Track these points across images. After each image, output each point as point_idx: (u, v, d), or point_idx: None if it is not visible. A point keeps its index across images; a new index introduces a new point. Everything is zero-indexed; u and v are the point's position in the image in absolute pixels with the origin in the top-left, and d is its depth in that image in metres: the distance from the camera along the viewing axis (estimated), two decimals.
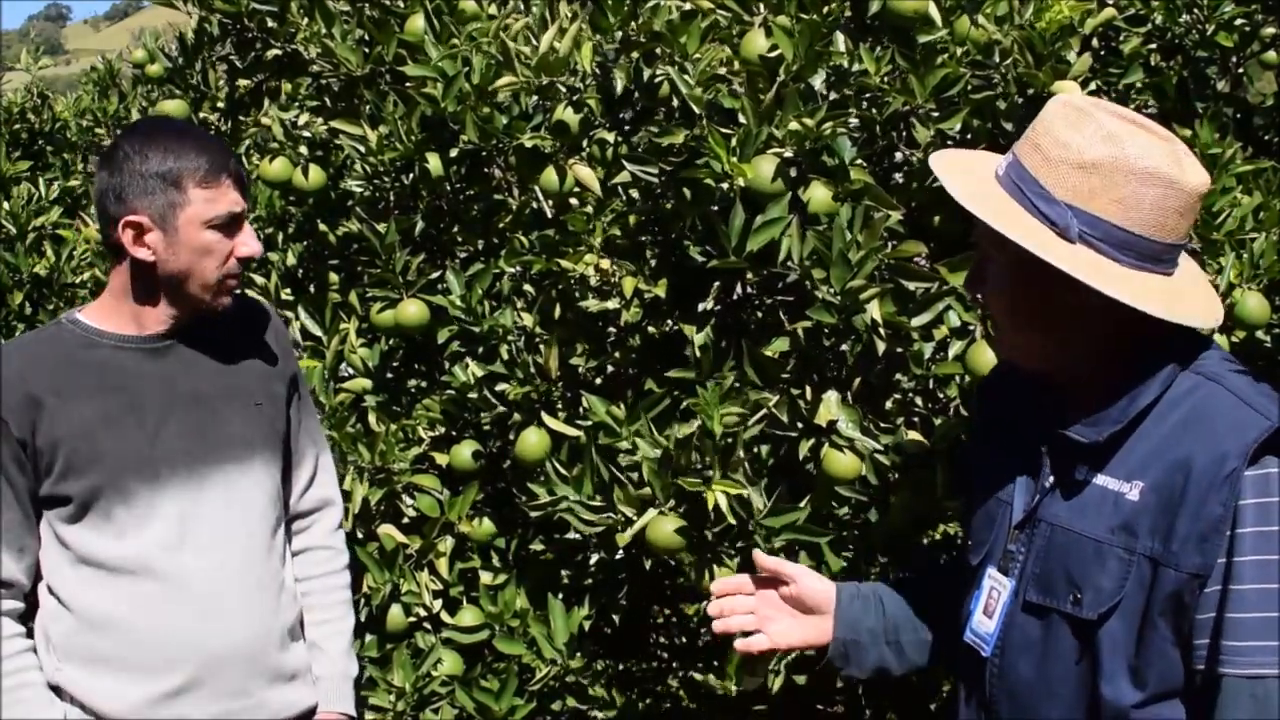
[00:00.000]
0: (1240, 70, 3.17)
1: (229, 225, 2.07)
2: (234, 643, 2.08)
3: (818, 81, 2.44)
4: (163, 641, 2.04)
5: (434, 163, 3.01)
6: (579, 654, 2.72)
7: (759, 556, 1.95)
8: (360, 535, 2.92)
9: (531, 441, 2.73)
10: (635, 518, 2.35)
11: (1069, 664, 1.64)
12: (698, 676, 3.16)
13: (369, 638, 2.90)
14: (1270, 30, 3.08)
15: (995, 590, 1.72)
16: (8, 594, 2.05)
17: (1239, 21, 2.93)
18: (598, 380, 2.93)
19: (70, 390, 2.04)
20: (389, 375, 3.21)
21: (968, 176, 1.68)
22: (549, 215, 2.94)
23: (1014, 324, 1.70)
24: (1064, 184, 1.59)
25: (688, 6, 2.55)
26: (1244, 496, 1.53)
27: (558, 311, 2.82)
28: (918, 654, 1.96)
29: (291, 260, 3.55)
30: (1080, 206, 1.58)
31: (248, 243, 2.10)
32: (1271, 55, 3.23)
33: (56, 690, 2.07)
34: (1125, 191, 1.58)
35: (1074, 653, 1.64)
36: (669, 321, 2.80)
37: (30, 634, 2.10)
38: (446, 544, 2.95)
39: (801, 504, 2.41)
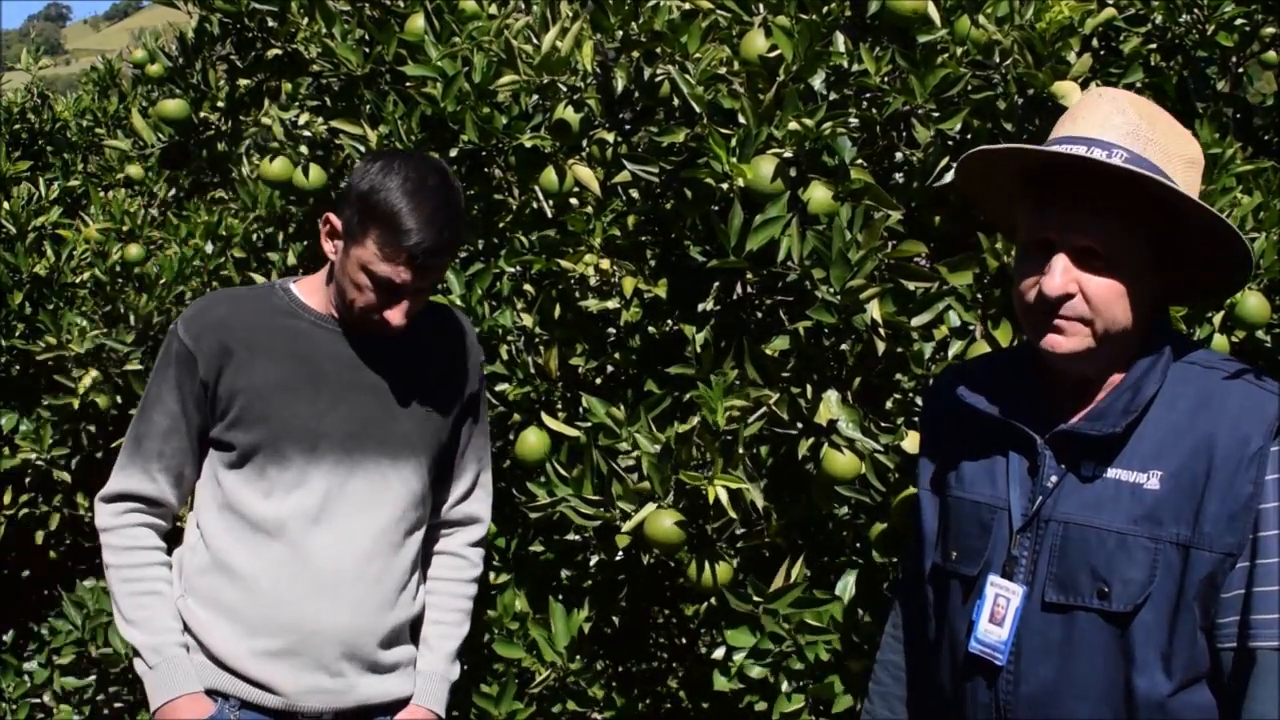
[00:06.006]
0: (1240, 70, 3.17)
1: (385, 288, 2.09)
2: (334, 625, 2.14)
3: (817, 81, 2.44)
4: (275, 606, 2.13)
5: None
6: (579, 656, 2.71)
7: None
8: None
9: (531, 442, 2.73)
10: (633, 513, 2.35)
11: (1097, 660, 1.63)
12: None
13: None
14: (1270, 30, 3.08)
15: (1002, 597, 1.70)
16: (158, 512, 2.21)
17: (1239, 21, 2.93)
18: (597, 380, 2.93)
19: (261, 348, 2.16)
20: None
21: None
22: (549, 215, 2.94)
23: (1119, 315, 1.64)
24: (1179, 176, 1.64)
25: (688, 6, 2.55)
26: (1268, 472, 1.57)
27: (558, 312, 2.82)
28: None
29: (291, 260, 3.55)
30: (1194, 200, 1.64)
31: (394, 315, 2.12)
32: (1271, 55, 3.24)
33: None
34: (1200, 185, 1.70)
35: (1102, 648, 1.63)
36: (669, 322, 2.80)
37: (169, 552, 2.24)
38: None
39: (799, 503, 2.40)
